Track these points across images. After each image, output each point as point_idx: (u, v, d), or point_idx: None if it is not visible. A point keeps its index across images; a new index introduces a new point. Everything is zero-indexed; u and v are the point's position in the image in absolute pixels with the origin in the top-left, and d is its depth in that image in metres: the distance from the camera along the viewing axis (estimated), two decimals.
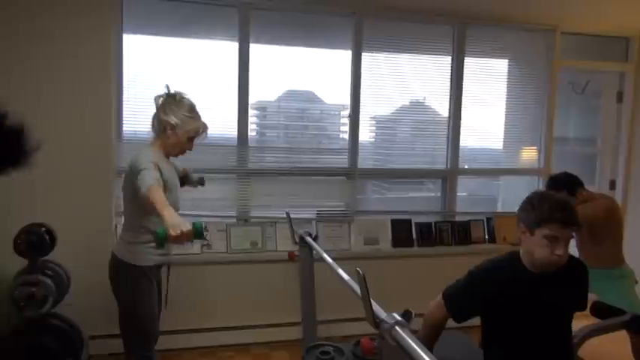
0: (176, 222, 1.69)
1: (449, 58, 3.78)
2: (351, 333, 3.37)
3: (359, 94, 3.59)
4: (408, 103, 3.81)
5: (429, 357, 1.14)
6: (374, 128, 3.81)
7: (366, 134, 3.73)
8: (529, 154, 4.13)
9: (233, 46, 3.37)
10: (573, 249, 2.93)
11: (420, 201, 3.96)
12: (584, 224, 2.71)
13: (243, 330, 3.41)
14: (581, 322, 2.00)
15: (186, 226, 1.69)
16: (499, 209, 4.11)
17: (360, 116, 3.62)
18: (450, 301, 1.80)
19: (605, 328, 2.14)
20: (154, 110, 2.16)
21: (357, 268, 1.32)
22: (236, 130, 3.42)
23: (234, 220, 3.49)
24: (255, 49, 3.41)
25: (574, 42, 4.06)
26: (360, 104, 3.60)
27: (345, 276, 1.77)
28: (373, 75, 3.62)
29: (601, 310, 2.19)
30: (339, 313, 3.43)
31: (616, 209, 2.80)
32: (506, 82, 4.00)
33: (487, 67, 3.90)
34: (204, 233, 1.77)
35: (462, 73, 3.78)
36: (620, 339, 2.62)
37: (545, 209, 1.64)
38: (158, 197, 1.79)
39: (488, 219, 3.91)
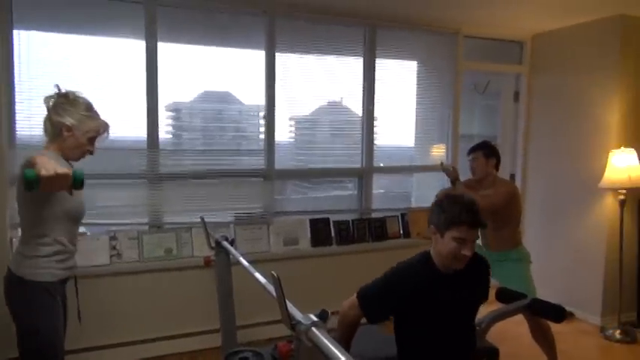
0: (49, 164, 1.50)
1: (361, 60, 3.87)
2: (274, 335, 3.36)
3: (274, 94, 3.57)
4: (325, 104, 3.85)
5: (345, 357, 1.14)
6: (293, 129, 3.81)
7: (285, 135, 3.72)
8: (438, 152, 4.34)
9: (140, 45, 3.20)
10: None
11: (338, 200, 4.01)
12: (487, 211, 2.92)
13: (160, 341, 3.26)
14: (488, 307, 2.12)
15: (62, 170, 1.50)
16: (413, 205, 4.28)
17: (278, 117, 3.60)
18: (364, 302, 1.83)
19: (509, 313, 2.27)
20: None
21: (272, 272, 1.30)
22: (146, 132, 3.26)
23: (147, 227, 3.32)
24: (165, 48, 3.26)
25: (476, 45, 4.33)
26: (276, 105, 3.58)
27: (262, 279, 1.73)
28: (288, 76, 3.62)
29: (504, 295, 2.33)
30: (259, 316, 3.39)
31: (517, 195, 3.00)
32: (415, 83, 4.18)
33: (397, 68, 4.04)
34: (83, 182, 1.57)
35: (374, 75, 3.89)
36: (521, 318, 2.83)
37: (455, 212, 1.71)
38: (39, 156, 1.60)
39: (403, 215, 4.06)
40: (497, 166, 3.06)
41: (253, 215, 3.58)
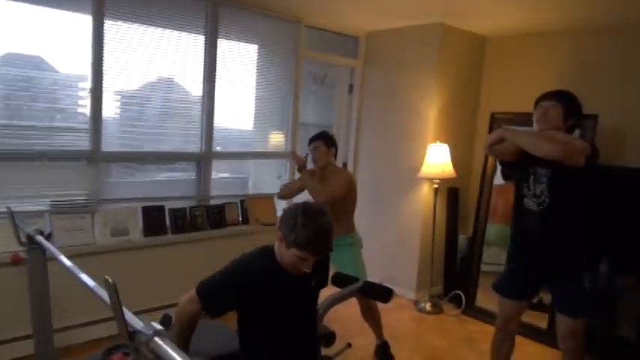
0: None
1: (201, 37, 3.67)
2: (98, 336, 3.05)
3: (101, 66, 3.17)
4: (158, 80, 3.55)
5: None
6: (119, 105, 3.43)
7: (110, 112, 3.34)
8: (277, 138, 4.38)
9: None
10: None
11: (173, 185, 3.77)
12: (329, 202, 3.02)
13: None
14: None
15: None
16: (250, 191, 4.25)
17: (104, 91, 3.21)
18: (204, 296, 1.74)
19: (344, 297, 2.40)
20: None
21: (107, 277, 1.14)
22: None
23: None
24: None
25: (316, 36, 4.45)
26: (104, 77, 3.19)
27: (90, 282, 1.52)
28: (117, 46, 3.24)
29: (340, 280, 2.44)
30: (81, 317, 3.04)
31: (354, 183, 3.17)
32: (255, 67, 4.12)
33: (238, 50, 3.93)
34: None
35: (215, 55, 3.73)
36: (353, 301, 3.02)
37: (305, 236, 1.66)
38: None
39: (242, 201, 4.00)
40: (335, 155, 3.20)
41: (75, 203, 3.16)
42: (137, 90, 3.46)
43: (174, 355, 1.09)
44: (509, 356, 2.71)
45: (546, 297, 3.51)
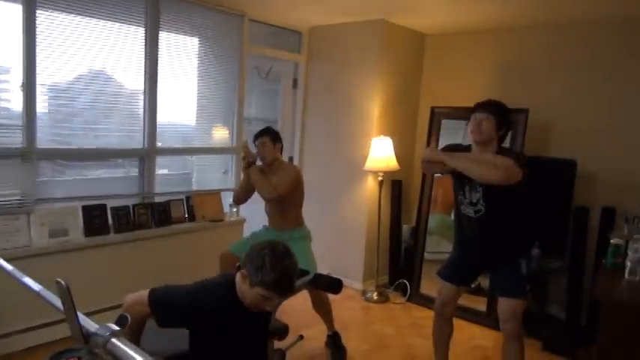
0: None
1: (142, 30, 3.55)
2: (32, 344, 2.93)
3: (34, 58, 3.01)
4: (95, 74, 3.39)
5: None
6: (54, 99, 3.26)
7: (44, 107, 3.18)
8: (221, 133, 4.33)
9: None
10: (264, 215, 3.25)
11: (115, 183, 3.65)
12: (278, 201, 3.04)
13: None
14: None
15: None
16: (195, 187, 4.19)
17: (38, 86, 3.05)
18: (156, 306, 1.72)
19: (297, 289, 2.44)
20: None
21: (59, 279, 1.11)
22: None
23: None
24: None
25: (260, 29, 4.42)
26: (36, 71, 3.03)
27: (35, 286, 1.46)
28: (52, 37, 3.08)
29: None
30: (20, 322, 2.90)
31: (301, 178, 3.19)
32: (197, 61, 4.05)
33: (182, 44, 3.85)
34: None
35: (157, 48, 3.63)
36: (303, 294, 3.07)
37: (273, 278, 1.65)
38: None
39: (188, 198, 3.94)
40: (281, 150, 3.22)
41: (9, 203, 2.99)
42: (73, 84, 3.29)
43: (134, 354, 1.08)
44: (448, 339, 2.84)
45: (484, 282, 3.73)
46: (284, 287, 1.70)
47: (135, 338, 1.72)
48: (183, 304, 1.73)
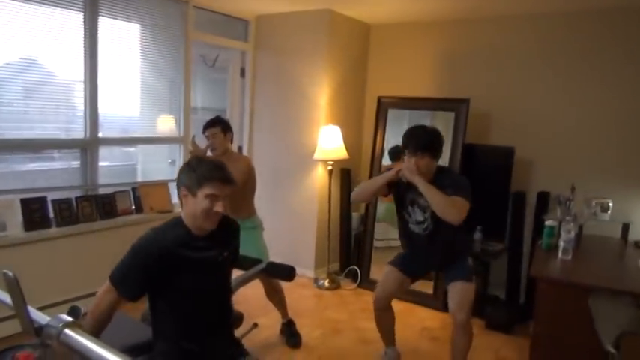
0: None
1: (81, 16, 3.40)
2: None
3: None
4: (30, 61, 3.23)
5: (110, 352, 1.04)
6: None
7: None
8: (167, 123, 4.23)
9: None
10: None
11: (55, 175, 3.48)
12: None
13: None
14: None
15: None
16: (140, 178, 4.07)
17: None
18: (116, 280, 1.70)
19: (249, 278, 2.44)
20: None
21: (6, 271, 1.07)
22: None
23: None
24: None
25: (206, 17, 4.34)
26: None
27: None
28: None
29: (243, 262, 2.48)
30: None
31: (253, 168, 3.17)
32: (139, 48, 3.92)
33: (124, 30, 3.71)
34: None
35: (97, 34, 3.48)
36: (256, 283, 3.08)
37: (206, 170, 1.74)
38: None
39: (134, 189, 3.83)
40: (231, 140, 3.19)
41: None
42: (4, 72, 3.11)
43: (89, 343, 1.06)
44: (393, 324, 2.93)
45: None
46: (221, 172, 1.78)
47: (96, 331, 1.67)
48: (133, 261, 1.71)
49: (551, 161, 3.87)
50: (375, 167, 4.39)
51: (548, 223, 3.07)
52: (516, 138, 3.90)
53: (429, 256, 2.80)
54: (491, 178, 3.83)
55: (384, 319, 2.90)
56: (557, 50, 3.82)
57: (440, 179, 2.58)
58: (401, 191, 2.71)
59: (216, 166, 1.79)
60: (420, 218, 2.67)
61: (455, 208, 2.47)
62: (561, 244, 2.80)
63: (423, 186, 2.51)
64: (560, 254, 2.79)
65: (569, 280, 2.58)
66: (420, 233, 2.70)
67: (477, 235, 3.75)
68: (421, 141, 2.56)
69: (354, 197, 2.90)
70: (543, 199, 3.76)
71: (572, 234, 2.80)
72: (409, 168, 2.55)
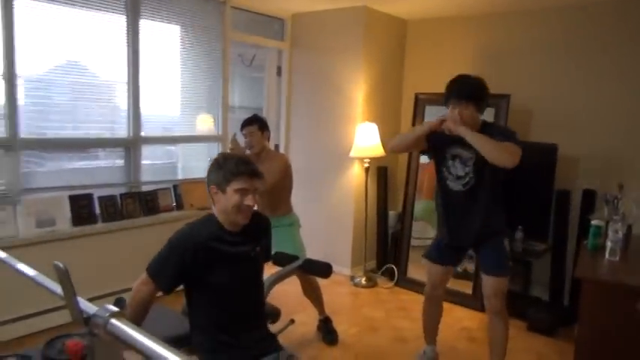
0: None
1: (124, 18, 3.50)
2: (20, 334, 2.93)
3: (13, 48, 2.95)
4: (75, 64, 3.35)
5: (154, 342, 1.07)
6: (33, 92, 3.21)
7: (26, 97, 3.13)
8: (206, 122, 4.31)
9: None
10: None
11: (101, 173, 3.61)
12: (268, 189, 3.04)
13: None
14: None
15: None
16: (180, 176, 4.17)
17: (18, 76, 2.99)
18: (153, 272, 1.77)
19: (286, 274, 2.46)
20: None
21: (57, 262, 1.12)
22: None
23: None
24: None
25: (243, 16, 4.39)
26: (16, 61, 2.97)
27: (30, 272, 1.46)
28: (32, 27, 3.03)
29: (280, 259, 2.50)
30: (12, 311, 2.91)
31: (290, 166, 3.19)
32: (179, 49, 4.01)
33: (162, 32, 3.81)
34: None
35: (139, 36, 3.58)
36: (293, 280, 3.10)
37: (232, 166, 1.78)
38: None
39: (175, 186, 3.92)
40: (268, 138, 3.21)
41: None
42: (52, 74, 3.24)
43: (134, 333, 1.09)
44: (438, 320, 2.92)
45: (470, 267, 3.82)
46: (247, 166, 1.81)
47: (137, 322, 1.73)
48: (169, 255, 1.77)
49: (598, 158, 3.72)
50: (411, 165, 4.34)
51: (594, 222, 2.95)
52: (560, 134, 3.77)
53: (466, 222, 2.61)
54: (533, 175, 3.70)
55: (432, 313, 2.88)
56: (606, 43, 3.67)
57: (486, 131, 2.46)
58: (442, 144, 2.57)
59: (242, 160, 1.83)
60: (461, 173, 2.55)
61: (508, 152, 2.34)
62: (608, 244, 2.69)
63: (470, 135, 2.38)
64: (607, 255, 2.68)
65: (616, 282, 2.48)
66: (459, 191, 2.57)
67: (519, 235, 3.65)
68: (466, 89, 2.46)
69: (393, 147, 2.81)
70: (589, 197, 3.62)
71: (620, 234, 2.68)
72: (453, 117, 2.42)
